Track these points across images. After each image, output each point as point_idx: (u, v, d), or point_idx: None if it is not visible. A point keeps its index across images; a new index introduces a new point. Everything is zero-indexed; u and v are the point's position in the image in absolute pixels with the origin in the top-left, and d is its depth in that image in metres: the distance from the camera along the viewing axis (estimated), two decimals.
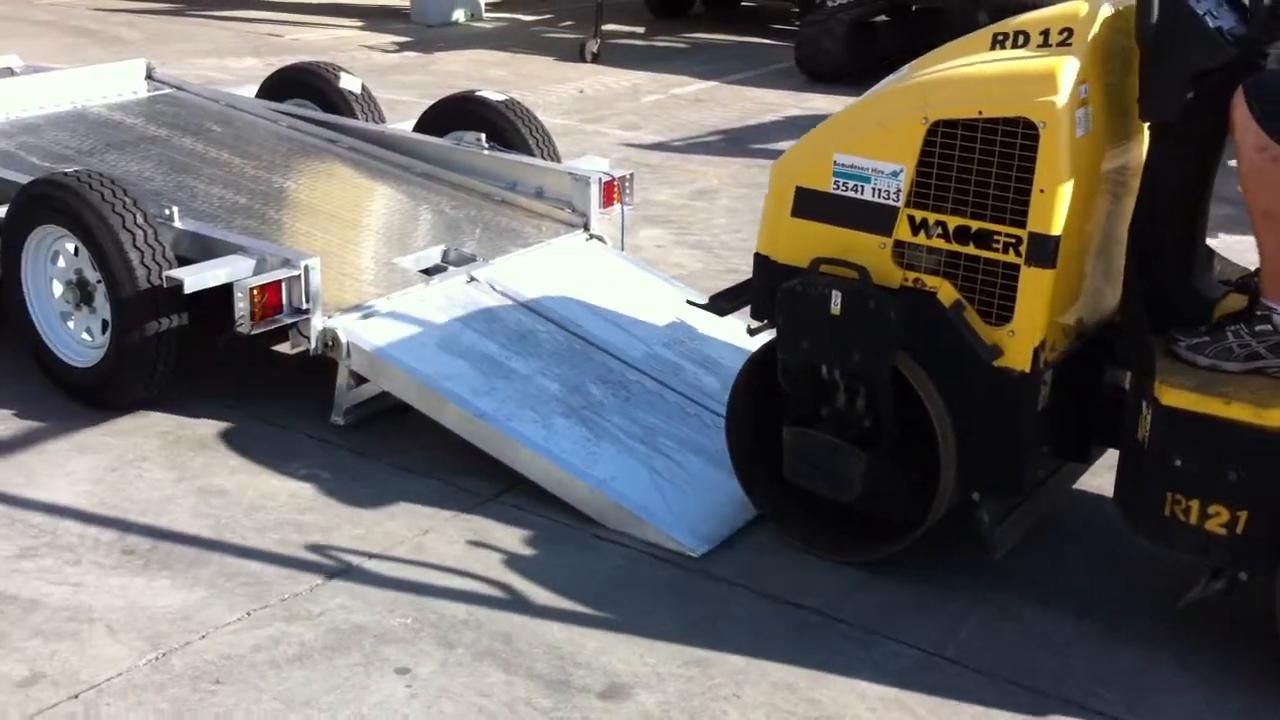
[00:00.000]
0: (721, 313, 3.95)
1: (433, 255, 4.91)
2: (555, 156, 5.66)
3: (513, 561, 3.75)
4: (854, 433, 3.61)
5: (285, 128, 6.00)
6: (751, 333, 3.81)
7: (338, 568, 3.68)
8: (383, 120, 6.23)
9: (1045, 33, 3.34)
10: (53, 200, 4.41)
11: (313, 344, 4.29)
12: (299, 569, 3.67)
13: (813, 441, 3.63)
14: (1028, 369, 3.35)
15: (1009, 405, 3.41)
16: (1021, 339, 3.34)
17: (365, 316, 4.40)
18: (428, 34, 12.29)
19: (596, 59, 11.21)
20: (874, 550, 3.73)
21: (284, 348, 4.75)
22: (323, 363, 4.40)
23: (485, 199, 5.40)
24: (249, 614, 3.47)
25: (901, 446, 3.61)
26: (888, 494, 3.67)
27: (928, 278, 3.43)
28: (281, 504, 4.00)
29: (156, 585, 3.58)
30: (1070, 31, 3.32)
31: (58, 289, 4.57)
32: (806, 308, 3.52)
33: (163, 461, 4.22)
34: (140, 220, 4.29)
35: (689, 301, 4.25)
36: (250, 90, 6.47)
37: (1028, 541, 3.83)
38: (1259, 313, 3.32)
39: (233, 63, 10.35)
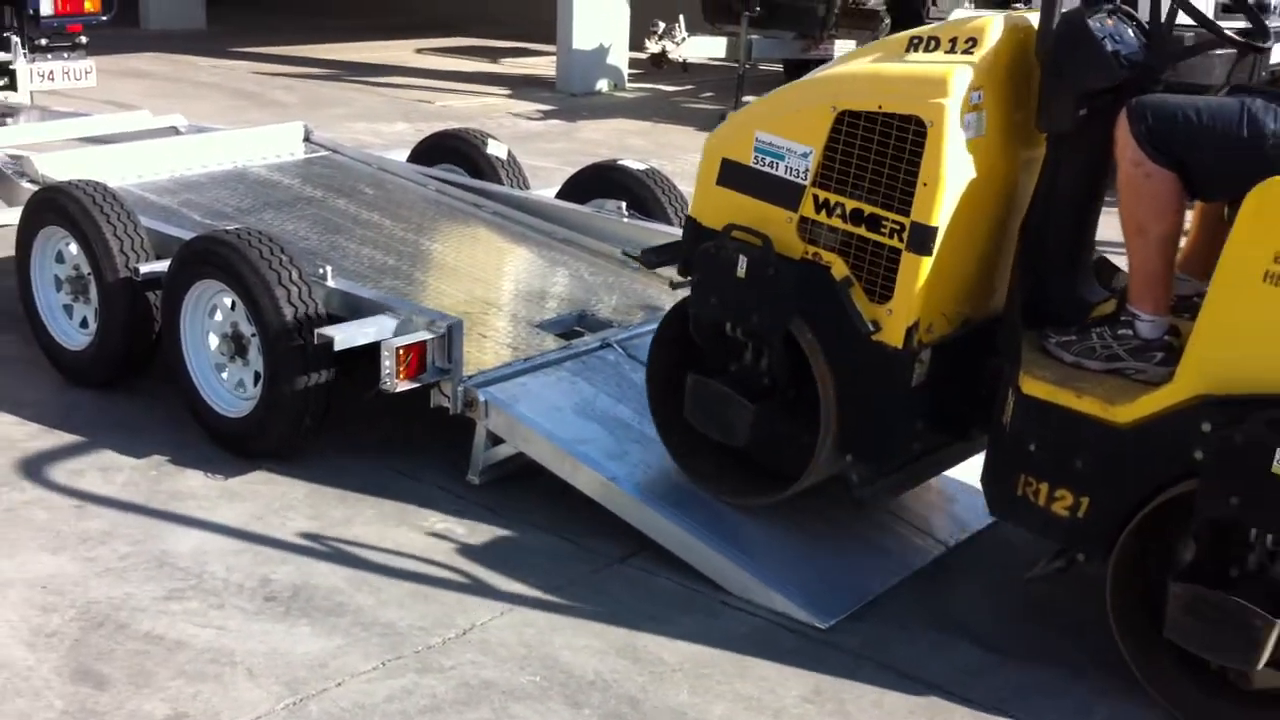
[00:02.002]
0: (650, 265, 4.33)
1: (570, 319, 5.02)
2: None
3: (641, 624, 3.79)
4: (754, 387, 3.89)
5: (434, 191, 6.18)
6: (674, 286, 4.14)
7: (469, 622, 3.76)
8: (527, 186, 6.38)
9: (954, 40, 3.62)
10: (214, 256, 4.60)
11: (453, 403, 4.41)
12: (432, 622, 3.76)
13: (709, 390, 3.94)
14: (901, 346, 3.62)
15: (883, 377, 3.69)
16: (898, 318, 3.61)
17: (504, 378, 4.50)
18: (572, 103, 12.54)
19: None
20: (761, 496, 4.03)
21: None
22: (460, 419, 4.51)
23: (623, 265, 5.50)
24: (383, 664, 3.56)
25: (795, 404, 3.87)
26: (781, 447, 3.95)
27: (825, 253, 3.71)
28: (417, 557, 4.10)
29: (296, 632, 3.69)
30: (975, 41, 3.58)
31: (214, 341, 4.76)
32: (717, 268, 3.84)
33: (306, 511, 4.36)
34: (295, 278, 4.46)
35: (624, 252, 4.55)
36: (401, 154, 6.68)
37: None
38: (1123, 318, 3.58)
39: (384, 127, 10.67)
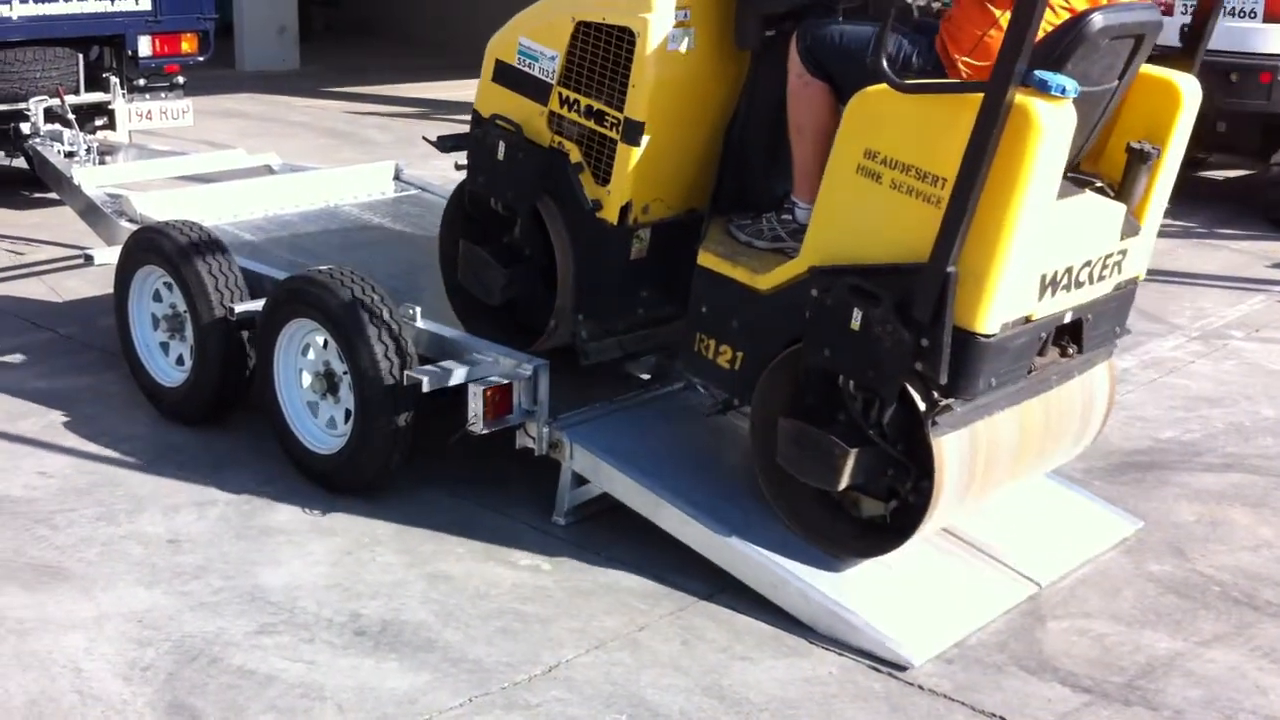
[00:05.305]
0: (444, 149, 4.81)
1: (654, 360, 5.01)
2: None
3: (726, 664, 3.78)
4: (513, 255, 4.54)
5: None
6: (458, 167, 4.74)
7: (556, 659, 3.77)
8: None
9: None
10: (307, 295, 4.67)
11: (538, 445, 4.44)
12: (519, 658, 3.78)
13: (474, 255, 4.62)
14: (616, 222, 4.31)
15: (605, 249, 4.37)
16: (614, 198, 4.29)
17: (588, 419, 4.53)
18: None
19: None
20: (522, 347, 4.55)
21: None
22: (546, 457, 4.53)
23: None
24: (470, 700, 3.58)
25: (546, 272, 4.49)
26: (534, 308, 4.58)
27: (567, 142, 4.37)
28: (504, 593, 4.13)
29: (385, 667, 3.72)
30: None
31: (306, 379, 4.83)
32: (484, 152, 4.53)
33: (394, 546, 4.40)
34: (387, 317, 4.52)
35: (424, 137, 5.15)
36: None
37: (1243, 679, 3.69)
38: (786, 205, 4.23)
39: None
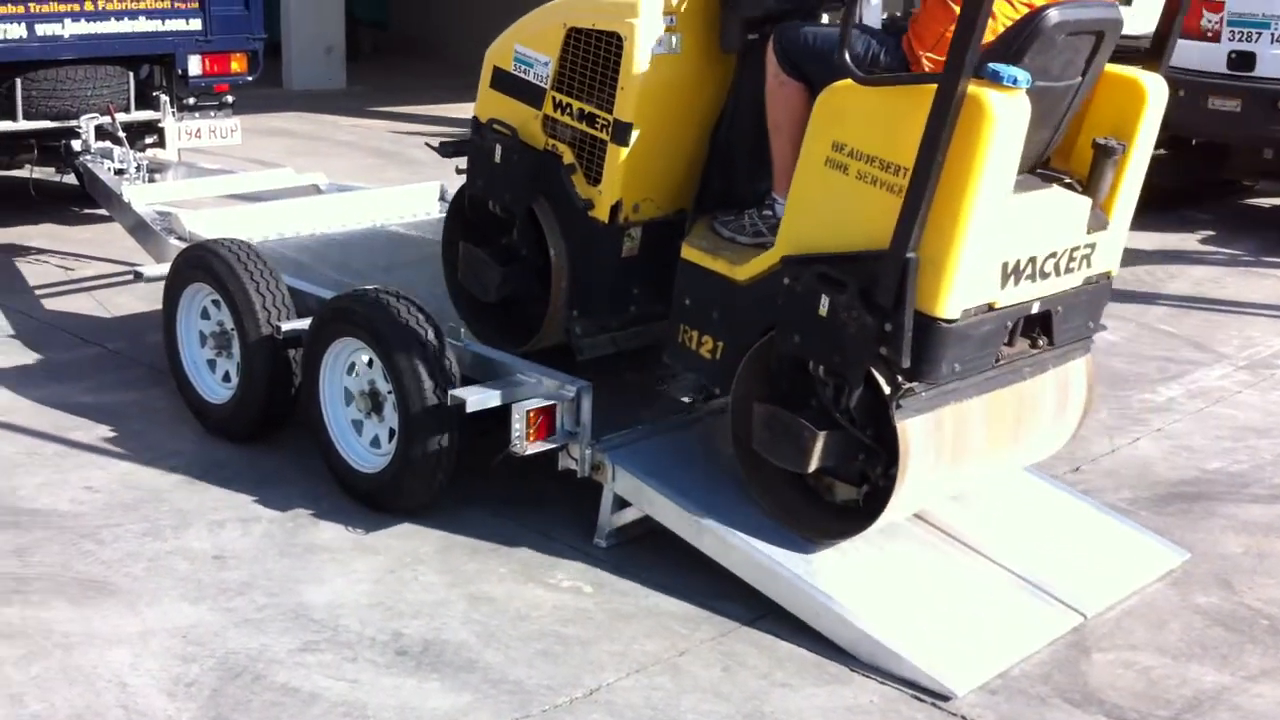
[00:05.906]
0: (445, 154, 5.01)
1: (698, 381, 5.01)
2: None
3: (767, 691, 3.76)
4: (510, 255, 4.71)
5: None
6: (459, 171, 4.89)
7: (596, 683, 3.77)
8: None
9: None
10: (353, 314, 4.70)
11: (580, 466, 4.46)
12: (560, 681, 3.77)
13: (473, 255, 4.79)
14: (607, 221, 4.45)
15: (597, 246, 4.51)
16: (605, 197, 4.43)
17: (631, 441, 4.54)
18: None
19: None
20: (520, 345, 4.76)
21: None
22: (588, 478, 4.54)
23: None
24: None
25: (541, 271, 4.63)
26: (530, 307, 4.74)
27: (560, 145, 4.52)
28: (545, 614, 4.13)
29: (427, 687, 3.73)
30: None
31: (351, 397, 4.85)
32: (481, 155, 4.68)
33: (437, 565, 4.41)
34: (431, 337, 4.54)
35: (426, 143, 5.23)
36: None
37: None
38: (768, 202, 4.37)
39: None
